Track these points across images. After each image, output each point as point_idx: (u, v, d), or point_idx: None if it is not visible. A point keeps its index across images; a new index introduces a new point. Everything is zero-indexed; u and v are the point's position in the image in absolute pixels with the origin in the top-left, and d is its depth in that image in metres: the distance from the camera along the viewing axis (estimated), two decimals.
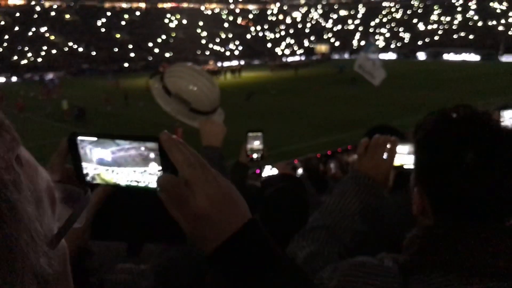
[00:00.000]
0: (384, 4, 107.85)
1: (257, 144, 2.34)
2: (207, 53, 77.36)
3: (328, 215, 1.36)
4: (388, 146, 1.40)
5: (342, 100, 29.32)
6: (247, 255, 0.66)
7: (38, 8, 79.48)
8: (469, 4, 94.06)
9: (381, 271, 0.99)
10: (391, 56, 75.40)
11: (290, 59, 73.81)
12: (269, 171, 3.06)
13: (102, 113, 26.36)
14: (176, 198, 0.64)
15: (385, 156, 1.39)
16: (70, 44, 70.74)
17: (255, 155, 2.35)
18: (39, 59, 63.46)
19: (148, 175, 0.68)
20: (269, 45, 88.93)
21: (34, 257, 0.39)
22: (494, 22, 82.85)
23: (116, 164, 0.69)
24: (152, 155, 0.66)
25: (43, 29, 72.65)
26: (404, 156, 1.41)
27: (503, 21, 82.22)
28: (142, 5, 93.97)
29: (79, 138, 0.69)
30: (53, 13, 79.90)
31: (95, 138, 0.67)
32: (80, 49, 69.73)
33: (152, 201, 0.67)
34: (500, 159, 0.90)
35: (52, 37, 71.68)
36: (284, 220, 1.95)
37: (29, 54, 63.87)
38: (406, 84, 36.31)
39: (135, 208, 0.71)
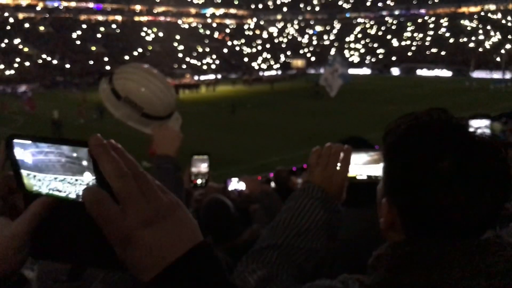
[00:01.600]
0: (359, 20, 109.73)
1: (204, 167, 2.16)
2: (184, 66, 77.21)
3: (279, 233, 1.20)
4: (342, 155, 1.28)
5: (318, 113, 29.54)
6: None
7: (11, 20, 78.23)
8: (441, 21, 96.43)
9: None
10: (365, 71, 76.59)
11: (266, 73, 74.30)
12: (235, 184, 3.00)
13: (77, 126, 25.99)
14: (101, 215, 0.55)
15: (338, 166, 1.27)
16: (44, 56, 69.74)
17: (199, 181, 2.17)
18: (12, 71, 62.33)
19: (67, 184, 0.60)
20: (245, 59, 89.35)
21: None
22: (465, 39, 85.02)
23: (37, 169, 0.61)
24: (84, 162, 0.58)
25: (16, 41, 71.46)
26: (361, 167, 1.32)
27: (473, 38, 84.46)
28: (119, 17, 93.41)
29: (15, 141, 0.60)
30: (27, 25, 78.71)
31: (29, 142, 0.59)
32: (55, 62, 68.78)
33: None
34: (479, 167, 0.82)
35: (26, 49, 70.55)
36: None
37: (2, 66, 62.66)
38: (382, 98, 36.89)
39: (81, 225, 0.60)
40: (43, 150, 0.59)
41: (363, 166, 1.31)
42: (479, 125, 1.83)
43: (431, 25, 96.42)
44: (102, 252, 0.60)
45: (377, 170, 1.30)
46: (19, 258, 0.61)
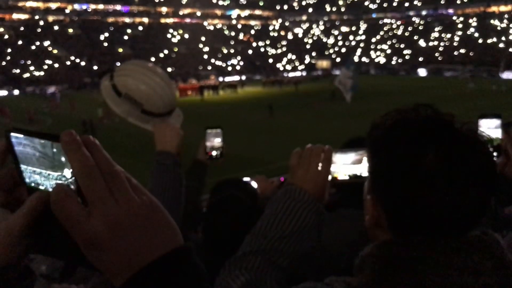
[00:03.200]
0: (385, 20, 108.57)
1: (217, 141, 2.19)
2: (209, 68, 77.73)
3: (262, 237, 1.17)
4: (323, 156, 1.25)
5: (341, 115, 29.29)
6: None
7: (41, 23, 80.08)
8: (470, 21, 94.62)
9: None
10: (392, 72, 75.76)
11: (291, 74, 74.19)
12: None
13: (102, 127, 26.37)
14: (63, 215, 0.52)
15: (320, 167, 1.24)
16: (72, 58, 71.15)
17: (214, 152, 2.21)
18: (41, 73, 63.83)
19: (43, 178, 0.59)
20: (270, 60, 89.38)
21: None
22: (495, 39, 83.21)
23: (20, 161, 0.60)
24: (63, 159, 0.56)
25: (46, 43, 73.12)
26: (348, 167, 1.29)
27: (503, 38, 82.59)
28: (145, 20, 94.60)
29: (12, 134, 0.59)
30: (56, 27, 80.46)
31: (21, 135, 0.59)
32: (83, 63, 70.08)
33: None
34: (464, 163, 0.80)
35: (55, 51, 72.12)
36: (229, 233, 1.81)
37: (32, 68, 64.23)
38: (408, 100, 36.30)
39: None
40: (22, 142, 0.59)
41: (350, 166, 1.29)
42: (489, 125, 1.75)
43: (459, 25, 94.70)
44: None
45: (359, 169, 1.29)
46: (15, 252, 0.60)
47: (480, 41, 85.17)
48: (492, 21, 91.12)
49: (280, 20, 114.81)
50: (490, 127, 1.77)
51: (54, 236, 0.60)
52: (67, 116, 31.46)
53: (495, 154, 1.72)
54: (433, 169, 0.80)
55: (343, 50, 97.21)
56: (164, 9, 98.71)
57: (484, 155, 0.83)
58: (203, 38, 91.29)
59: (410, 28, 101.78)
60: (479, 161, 0.82)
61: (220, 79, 64.12)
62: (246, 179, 2.95)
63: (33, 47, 71.48)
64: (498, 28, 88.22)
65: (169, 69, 70.79)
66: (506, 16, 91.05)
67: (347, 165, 1.29)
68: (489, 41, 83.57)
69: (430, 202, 0.81)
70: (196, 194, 2.27)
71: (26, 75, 62.13)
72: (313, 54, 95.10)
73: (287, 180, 1.28)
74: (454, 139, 0.83)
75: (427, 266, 0.79)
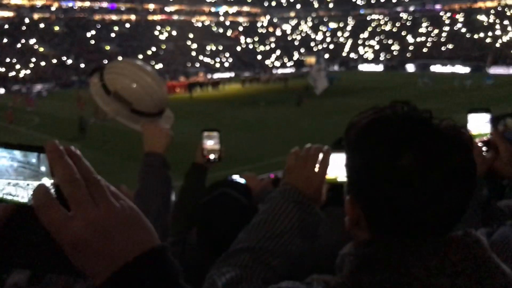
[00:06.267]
0: (373, 16, 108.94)
1: (211, 144, 2.15)
2: (197, 65, 77.49)
3: (253, 235, 1.17)
4: (321, 156, 1.23)
5: (330, 112, 29.29)
6: None
7: (27, 20, 79.13)
8: (457, 16, 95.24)
9: None
10: (380, 68, 76.02)
11: (280, 71, 74.20)
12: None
13: (93, 125, 26.06)
14: (47, 218, 0.55)
15: (317, 168, 1.22)
16: (59, 55, 70.45)
17: (211, 156, 2.17)
18: (28, 71, 63.14)
19: (20, 189, 0.60)
20: (259, 57, 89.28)
21: None
22: (482, 35, 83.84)
23: None
24: (43, 168, 0.58)
25: (32, 41, 72.30)
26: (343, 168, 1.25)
27: (490, 33, 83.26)
28: (132, 17, 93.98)
29: None
30: (42, 25, 79.55)
31: None
32: (69, 61, 69.44)
33: None
34: (441, 161, 0.78)
35: (41, 49, 71.36)
36: (222, 232, 1.77)
37: (18, 66, 63.50)
38: (396, 96, 36.49)
39: (39, 230, 0.59)
40: None
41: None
42: (478, 120, 1.72)
43: (447, 21, 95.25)
44: (60, 257, 0.59)
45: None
46: None
47: (467, 36, 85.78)
48: (478, 17, 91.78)
49: (268, 17, 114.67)
50: (479, 122, 1.74)
51: (18, 246, 0.60)
52: (55, 115, 31.06)
53: (484, 149, 1.71)
54: (409, 169, 0.79)
55: (331, 46, 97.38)
56: (151, 6, 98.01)
57: (462, 153, 0.81)
58: (191, 35, 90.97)
59: (398, 24, 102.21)
60: (456, 159, 0.80)
61: (209, 76, 63.84)
62: (235, 176, 2.85)
63: (19, 45, 70.65)
64: (485, 23, 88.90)
65: (157, 67, 70.39)
66: (492, 11, 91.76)
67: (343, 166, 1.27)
68: (476, 36, 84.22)
69: (407, 202, 0.79)
70: (195, 197, 2.22)
71: (12, 73, 61.38)
72: (302, 50, 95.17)
73: (283, 180, 1.25)
74: (431, 136, 0.81)
75: (402, 267, 0.78)
